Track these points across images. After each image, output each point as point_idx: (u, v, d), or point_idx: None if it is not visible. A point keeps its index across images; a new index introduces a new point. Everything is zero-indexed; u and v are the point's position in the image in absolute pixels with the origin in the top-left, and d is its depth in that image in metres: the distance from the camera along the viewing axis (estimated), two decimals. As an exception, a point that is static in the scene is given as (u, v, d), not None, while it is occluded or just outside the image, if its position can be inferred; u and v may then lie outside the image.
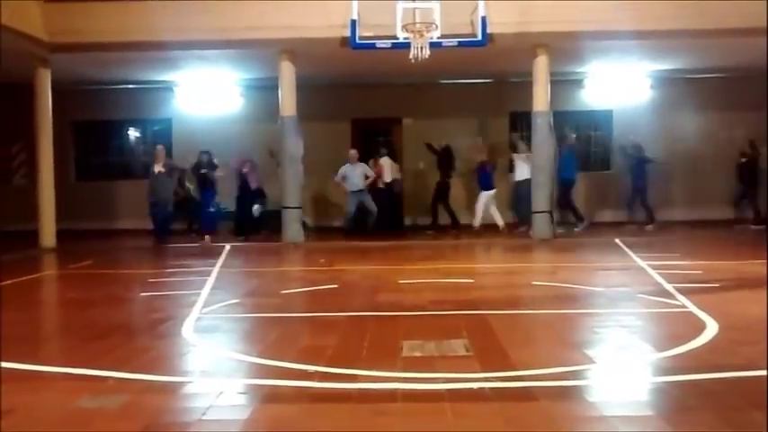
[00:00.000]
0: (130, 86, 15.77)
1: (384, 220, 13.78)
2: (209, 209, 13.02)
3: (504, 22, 11.72)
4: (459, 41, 11.55)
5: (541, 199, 12.28)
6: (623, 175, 14.63)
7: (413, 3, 11.32)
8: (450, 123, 15.06)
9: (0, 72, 12.91)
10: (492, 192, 13.47)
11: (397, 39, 11.32)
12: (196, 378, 4.16)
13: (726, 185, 15.12)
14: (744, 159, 14.48)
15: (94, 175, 16.75)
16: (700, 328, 5.09)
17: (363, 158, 13.95)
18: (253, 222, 13.50)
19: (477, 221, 13.49)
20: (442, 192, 14.03)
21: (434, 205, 14.21)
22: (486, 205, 13.43)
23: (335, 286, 7.43)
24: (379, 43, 11.56)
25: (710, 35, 11.90)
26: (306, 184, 13.44)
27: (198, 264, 9.66)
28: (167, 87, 15.79)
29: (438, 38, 11.22)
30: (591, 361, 4.34)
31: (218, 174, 12.92)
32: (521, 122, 15.21)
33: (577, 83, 15.65)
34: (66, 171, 15.94)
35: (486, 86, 15.69)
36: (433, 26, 11.09)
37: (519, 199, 13.57)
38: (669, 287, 6.90)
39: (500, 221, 13.37)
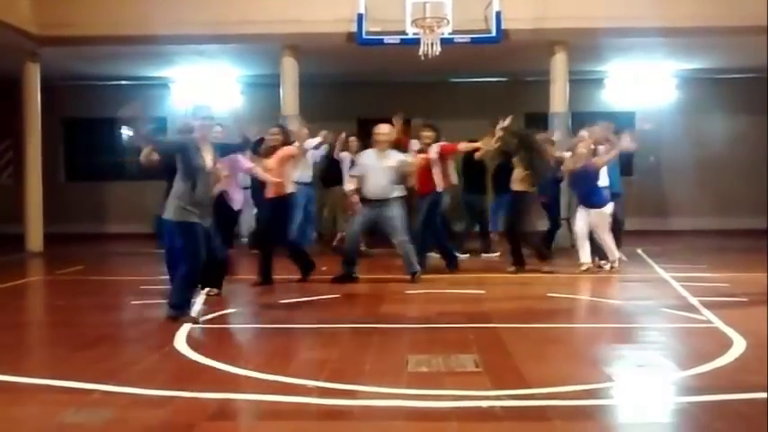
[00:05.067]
0: (124, 83, 15.82)
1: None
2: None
3: (519, 17, 11.71)
4: (472, 38, 11.54)
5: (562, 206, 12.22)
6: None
7: (423, -4, 11.33)
8: (461, 124, 15.03)
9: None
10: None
11: (407, 34, 11.31)
12: (187, 392, 4.15)
13: (757, 193, 15.02)
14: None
15: (85, 176, 16.79)
16: (726, 345, 5.05)
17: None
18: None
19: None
20: None
21: None
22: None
23: (338, 296, 7.42)
24: (388, 39, 11.56)
25: (741, 32, 11.85)
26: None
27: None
28: (163, 84, 15.84)
29: (449, 33, 11.21)
30: (609, 379, 4.31)
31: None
32: (537, 124, 15.17)
33: (597, 82, 15.62)
34: (55, 171, 15.99)
35: (501, 86, 15.68)
36: (445, 21, 11.09)
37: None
38: (694, 301, 6.86)
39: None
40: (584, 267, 8.99)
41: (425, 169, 8.94)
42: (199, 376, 4.56)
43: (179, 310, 6.04)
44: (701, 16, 11.67)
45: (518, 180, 9.17)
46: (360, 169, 8.54)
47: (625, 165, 15.87)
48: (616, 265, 9.08)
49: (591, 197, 9.03)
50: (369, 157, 8.49)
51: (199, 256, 6.03)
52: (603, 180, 9.20)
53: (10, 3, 11.60)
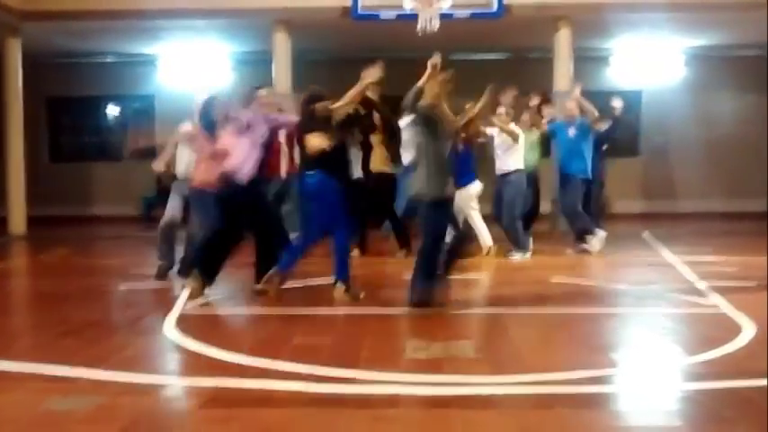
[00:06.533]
0: (109, 59, 15.75)
1: None
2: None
3: (522, -9, 11.68)
4: (472, 12, 11.50)
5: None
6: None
7: (421, -31, 11.28)
8: (461, 103, 15.06)
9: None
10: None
11: (404, 9, 11.27)
12: (178, 379, 4.16)
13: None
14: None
15: (69, 157, 16.75)
16: (735, 330, 5.06)
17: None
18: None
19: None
20: None
21: None
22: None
23: (333, 280, 7.40)
24: (384, 14, 11.51)
25: (751, 8, 11.82)
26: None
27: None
28: (150, 61, 15.76)
29: (448, 8, 11.17)
30: (614, 365, 4.32)
31: None
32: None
33: (603, 60, 15.58)
34: (39, 152, 15.96)
35: (502, 63, 15.62)
36: (444, -5, 11.06)
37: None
38: (701, 285, 6.88)
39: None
40: (484, 251, 8.90)
41: (273, 151, 8.20)
42: (190, 363, 4.57)
43: (427, 295, 5.85)
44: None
45: (380, 160, 9.01)
46: None
47: (631, 145, 15.97)
48: (484, 253, 8.93)
49: (458, 177, 8.87)
50: None
51: (444, 236, 5.91)
52: (517, 162, 9.02)
53: (-11, -25, 11.50)
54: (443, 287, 6.02)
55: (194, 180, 6.94)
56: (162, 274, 7.43)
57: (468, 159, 8.73)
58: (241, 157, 6.39)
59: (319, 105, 6.35)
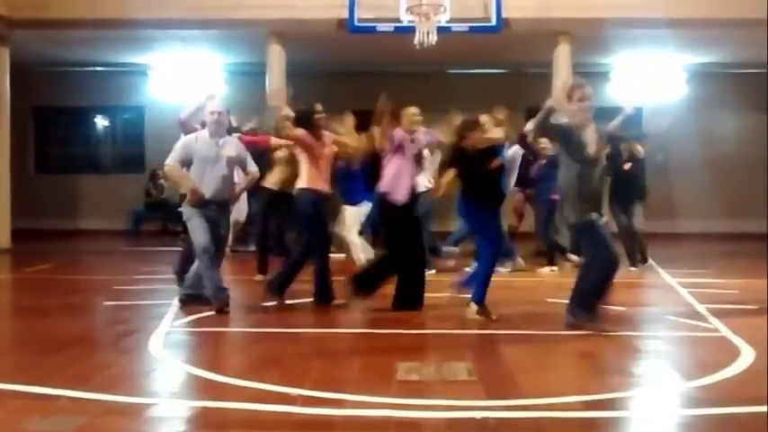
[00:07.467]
0: (99, 69, 15.77)
1: None
2: None
3: (521, 5, 11.73)
4: (471, 26, 11.56)
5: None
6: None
7: (419, -19, 11.34)
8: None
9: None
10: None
11: (401, 22, 11.33)
12: (163, 400, 4.14)
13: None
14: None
15: (56, 168, 16.75)
16: (734, 354, 5.06)
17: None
18: None
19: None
20: None
21: None
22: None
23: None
24: (381, 26, 11.56)
25: (754, 25, 11.91)
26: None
27: (170, 270, 9.61)
28: (140, 71, 15.79)
29: (447, 22, 11.23)
30: (610, 390, 4.31)
31: None
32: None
33: (603, 76, 15.64)
34: (25, 162, 15.95)
35: (501, 78, 15.70)
36: (442, 8, 11.10)
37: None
38: (701, 308, 6.88)
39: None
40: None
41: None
42: (175, 383, 4.55)
43: (589, 313, 5.88)
44: (712, 7, 11.72)
45: (280, 177, 8.36)
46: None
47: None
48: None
49: (349, 194, 8.81)
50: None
51: (612, 258, 5.96)
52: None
53: (-23, -18, 11.54)
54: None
55: (310, 185, 6.87)
56: (188, 301, 6.81)
57: (358, 178, 8.68)
58: (394, 176, 6.71)
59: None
